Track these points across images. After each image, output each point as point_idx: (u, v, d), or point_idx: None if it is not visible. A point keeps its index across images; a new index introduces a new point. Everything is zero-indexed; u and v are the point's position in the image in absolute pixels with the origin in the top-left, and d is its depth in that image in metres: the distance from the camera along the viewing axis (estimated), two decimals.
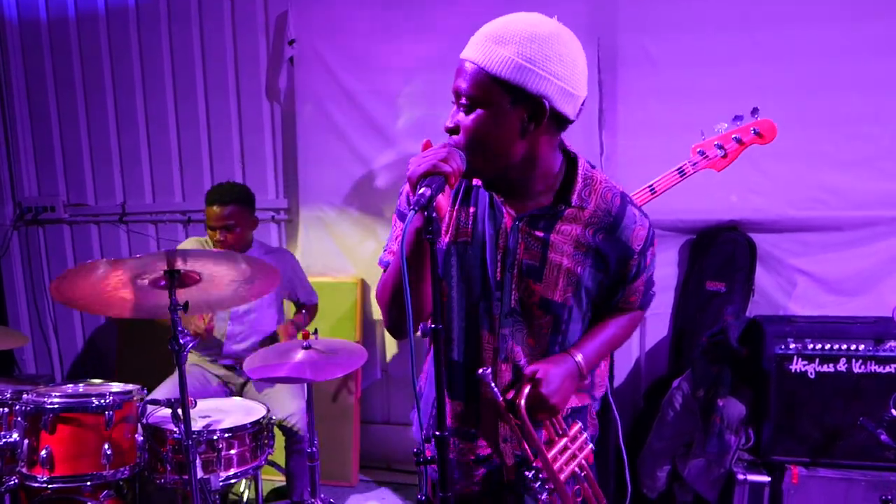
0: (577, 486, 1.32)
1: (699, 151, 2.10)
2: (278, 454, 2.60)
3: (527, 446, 1.30)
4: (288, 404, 2.62)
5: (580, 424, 1.38)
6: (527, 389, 1.25)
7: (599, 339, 1.40)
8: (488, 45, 1.15)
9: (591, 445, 1.37)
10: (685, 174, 2.08)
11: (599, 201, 1.30)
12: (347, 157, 3.29)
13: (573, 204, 1.28)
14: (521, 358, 1.34)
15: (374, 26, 3.15)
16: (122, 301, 2.06)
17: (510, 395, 1.27)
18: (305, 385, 2.40)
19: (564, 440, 1.32)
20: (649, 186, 2.08)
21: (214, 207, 2.70)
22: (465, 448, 1.43)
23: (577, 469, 1.32)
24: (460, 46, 1.22)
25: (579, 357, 1.33)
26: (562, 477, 1.29)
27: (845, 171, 2.71)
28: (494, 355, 1.34)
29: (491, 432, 1.40)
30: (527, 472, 1.27)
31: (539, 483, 1.27)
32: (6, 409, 2.22)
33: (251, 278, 2.14)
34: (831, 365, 2.33)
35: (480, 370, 1.26)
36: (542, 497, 1.27)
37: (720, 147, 2.07)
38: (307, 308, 3.01)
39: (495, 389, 1.26)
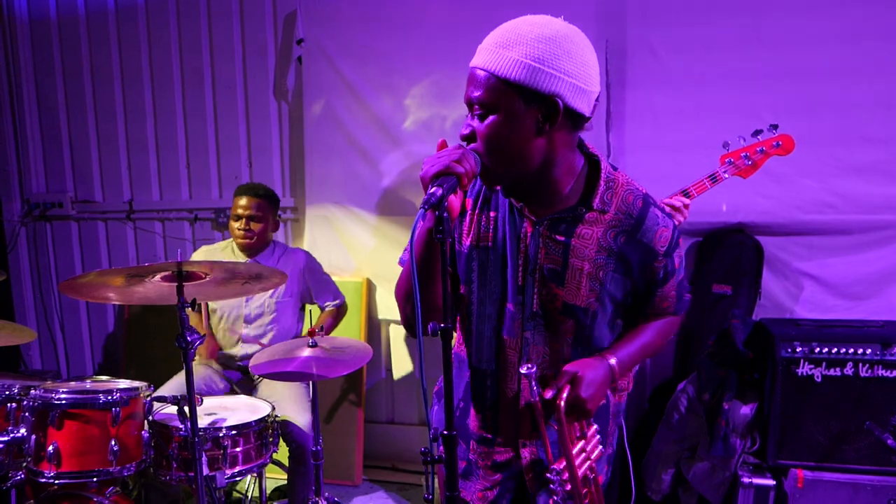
0: (586, 490, 1.32)
1: (728, 161, 2.22)
2: (282, 453, 2.60)
3: (549, 447, 1.30)
4: (295, 416, 2.59)
5: (596, 426, 1.37)
6: (566, 391, 1.25)
7: (634, 345, 1.39)
8: (497, 51, 1.16)
9: (600, 448, 1.37)
10: (717, 181, 2.21)
11: (620, 204, 1.29)
12: (354, 156, 3.30)
13: (595, 207, 1.27)
14: (544, 361, 1.34)
15: (383, 26, 3.15)
16: (130, 292, 2.09)
17: (547, 394, 1.27)
18: (311, 390, 2.40)
19: (582, 442, 1.32)
20: (684, 191, 2.17)
21: (244, 198, 2.80)
22: (484, 452, 1.44)
23: (588, 472, 1.32)
24: (469, 45, 1.23)
25: (613, 361, 1.32)
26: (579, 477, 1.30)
27: (856, 175, 2.70)
28: (517, 359, 1.34)
29: (511, 434, 1.40)
30: (547, 475, 1.28)
31: (558, 485, 1.27)
32: (14, 405, 2.23)
33: (257, 276, 2.16)
34: (838, 369, 2.33)
35: (525, 368, 1.27)
36: (557, 498, 1.27)
37: (748, 157, 2.22)
38: (332, 312, 2.96)
39: (536, 388, 1.26)
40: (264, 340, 2.82)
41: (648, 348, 1.42)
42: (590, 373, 1.27)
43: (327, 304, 2.96)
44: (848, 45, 2.63)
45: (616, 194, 1.29)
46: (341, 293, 3.02)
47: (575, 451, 1.30)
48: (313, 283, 2.93)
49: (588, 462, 1.32)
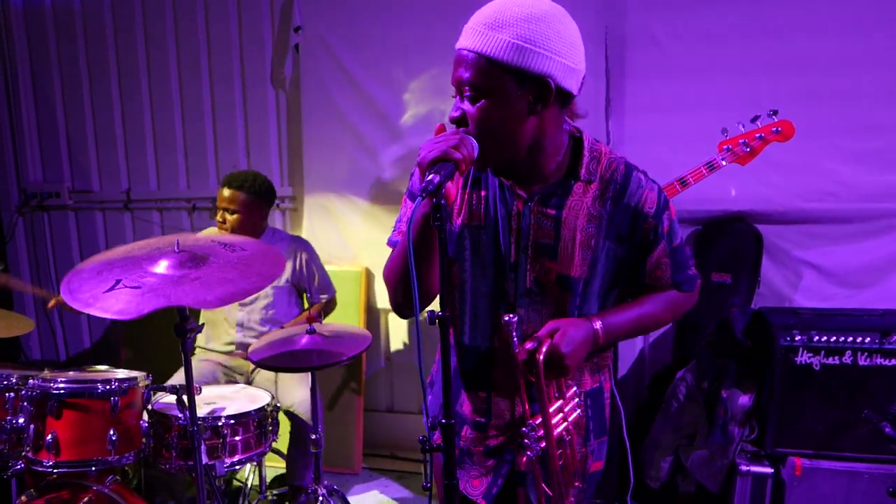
0: (560, 451, 1.32)
1: (726, 148, 2.18)
2: (282, 441, 2.61)
3: (525, 401, 1.30)
4: (293, 392, 2.62)
5: (575, 388, 1.37)
6: (546, 345, 1.24)
7: (626, 314, 1.37)
8: (486, 32, 1.15)
9: (579, 411, 1.36)
10: (714, 168, 2.18)
11: (605, 171, 1.30)
12: (352, 144, 3.28)
13: (582, 178, 1.29)
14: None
15: (382, 14, 3.12)
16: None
17: (528, 345, 1.26)
18: (311, 378, 2.41)
19: (560, 402, 1.32)
20: (680, 179, 2.14)
21: (224, 189, 2.73)
22: (477, 438, 1.43)
23: (564, 433, 1.32)
24: None
25: (598, 324, 1.30)
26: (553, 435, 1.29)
27: (857, 163, 2.68)
28: (511, 337, 1.33)
29: (506, 416, 1.39)
30: (523, 429, 1.27)
31: (532, 441, 1.26)
32: (12, 394, 2.23)
33: (249, 261, 2.12)
34: (837, 357, 2.32)
35: (507, 316, 1.24)
36: (531, 454, 1.26)
37: (746, 144, 2.17)
38: (323, 305, 2.94)
39: (516, 339, 1.25)
40: (258, 325, 2.81)
41: (645, 320, 1.39)
42: (571, 330, 1.26)
43: (315, 299, 2.94)
44: (851, 33, 2.61)
45: (600, 163, 1.31)
46: (333, 287, 2.97)
47: (552, 409, 1.28)
48: (308, 275, 2.89)
49: (565, 423, 1.31)
